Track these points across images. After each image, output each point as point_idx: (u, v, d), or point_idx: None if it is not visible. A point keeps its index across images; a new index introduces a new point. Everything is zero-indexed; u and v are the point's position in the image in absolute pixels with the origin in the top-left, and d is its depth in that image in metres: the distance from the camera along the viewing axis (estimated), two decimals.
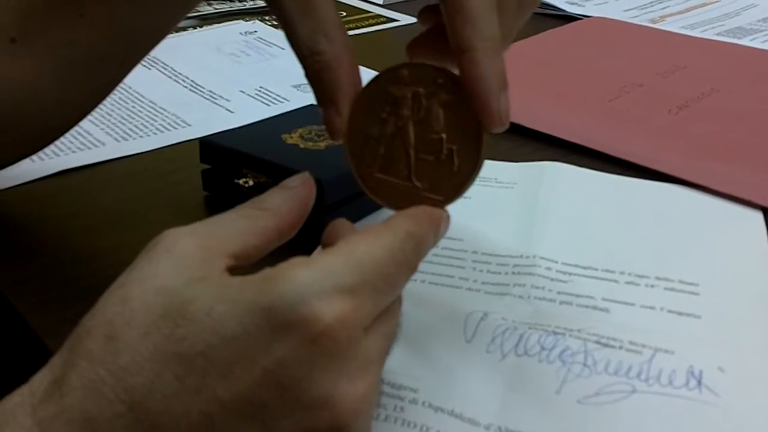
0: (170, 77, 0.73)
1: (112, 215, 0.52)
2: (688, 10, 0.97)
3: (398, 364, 0.37)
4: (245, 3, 0.95)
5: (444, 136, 0.34)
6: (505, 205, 0.52)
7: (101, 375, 0.26)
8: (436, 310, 0.42)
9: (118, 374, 0.26)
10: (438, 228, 0.33)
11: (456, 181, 0.34)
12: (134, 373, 0.26)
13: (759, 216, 0.51)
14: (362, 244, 0.29)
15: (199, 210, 0.52)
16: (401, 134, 0.35)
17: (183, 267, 0.28)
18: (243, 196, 0.50)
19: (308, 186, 0.34)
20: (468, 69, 0.33)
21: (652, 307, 0.42)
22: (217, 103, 0.68)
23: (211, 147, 0.51)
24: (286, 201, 0.33)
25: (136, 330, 0.27)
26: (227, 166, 0.50)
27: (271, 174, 0.48)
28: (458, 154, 0.34)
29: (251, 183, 0.49)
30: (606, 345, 0.39)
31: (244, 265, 0.31)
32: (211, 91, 0.70)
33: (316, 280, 0.27)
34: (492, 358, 0.38)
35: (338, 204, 0.47)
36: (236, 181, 0.49)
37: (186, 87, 0.71)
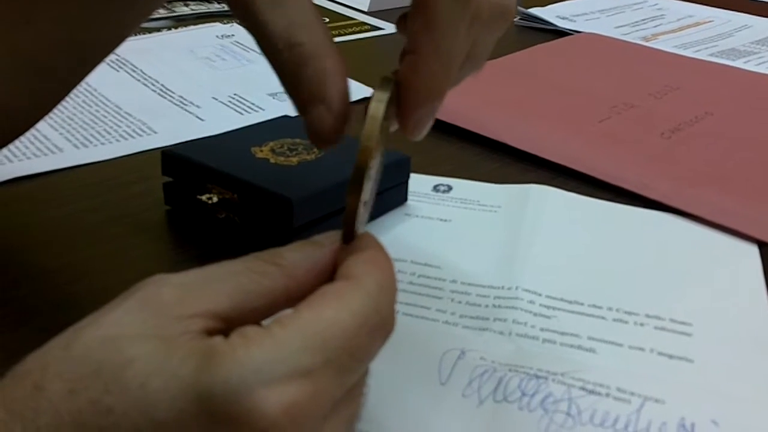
0: (139, 80, 0.69)
1: (65, 229, 0.48)
2: (681, 29, 0.95)
3: (368, 409, 0.34)
4: (224, 5, 0.92)
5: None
6: (487, 230, 0.49)
7: None
8: (409, 347, 0.38)
9: None
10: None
11: None
12: None
13: (754, 250, 0.48)
14: (327, 311, 0.25)
15: (160, 226, 0.49)
16: None
17: (150, 320, 0.25)
18: (207, 212, 0.47)
19: (335, 250, 0.29)
20: (407, 74, 0.29)
21: (641, 349, 0.39)
22: (187, 110, 0.64)
23: (173, 159, 0.47)
24: (305, 260, 0.28)
25: (65, 383, 0.23)
26: (190, 180, 0.47)
27: (237, 190, 0.45)
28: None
29: (215, 199, 0.45)
30: (592, 392, 0.36)
31: (233, 328, 0.26)
32: (181, 97, 0.67)
33: (266, 364, 0.23)
34: (468, 403, 0.35)
35: (308, 225, 0.44)
36: (199, 196, 0.45)
37: (155, 91, 0.67)
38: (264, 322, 0.26)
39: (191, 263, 0.45)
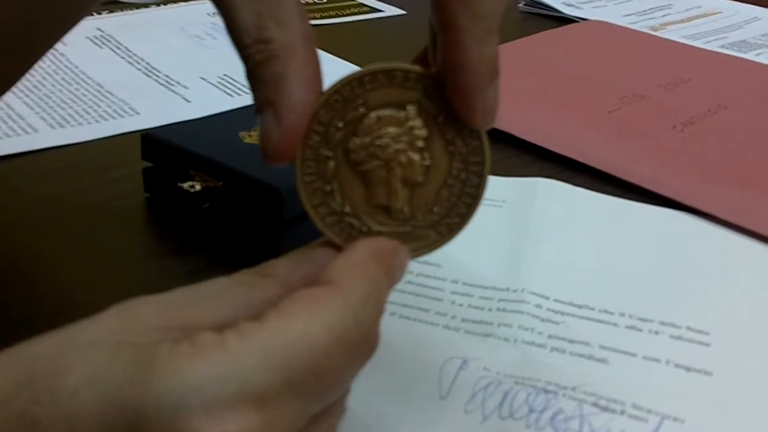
0: (123, 58, 0.66)
1: (34, 216, 0.45)
2: (689, 19, 0.92)
3: (356, 426, 0.31)
4: None
5: None
6: (491, 227, 0.46)
7: None
8: (406, 354, 0.35)
9: None
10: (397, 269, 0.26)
11: None
12: None
13: None
14: (297, 322, 0.21)
15: (139, 215, 0.45)
16: None
17: (119, 329, 0.22)
18: (189, 201, 0.43)
19: (334, 253, 0.26)
20: (452, 54, 0.25)
21: (656, 360, 0.36)
22: (173, 90, 0.61)
23: (153, 142, 0.44)
24: (299, 267, 0.25)
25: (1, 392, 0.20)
26: (171, 166, 0.43)
27: (222, 177, 0.41)
28: None
29: (198, 187, 0.42)
30: (605, 409, 0.33)
31: None
32: (167, 77, 0.63)
33: (213, 381, 0.20)
34: (471, 420, 0.32)
35: (299, 218, 0.41)
36: (180, 184, 0.42)
37: (140, 70, 0.64)
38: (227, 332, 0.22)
39: (171, 257, 0.43)
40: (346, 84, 0.26)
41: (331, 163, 0.26)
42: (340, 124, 0.26)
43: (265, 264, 0.25)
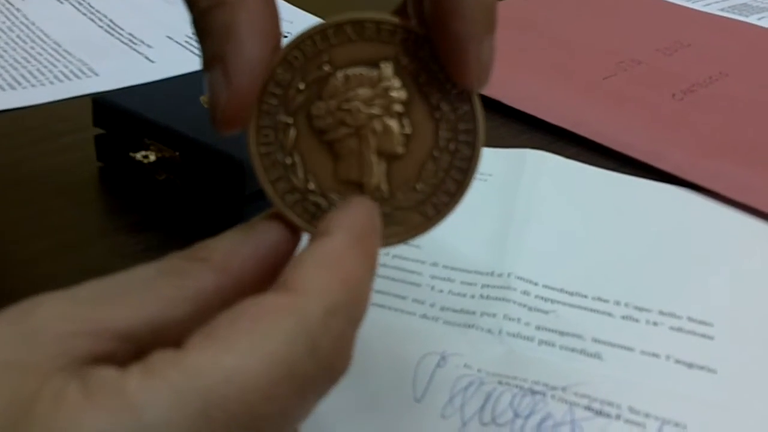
0: (85, 14, 0.61)
1: None
2: None
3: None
4: None
5: None
6: (476, 203, 0.42)
7: None
8: (378, 350, 0.32)
9: None
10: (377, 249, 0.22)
11: None
12: None
13: None
14: (228, 355, 0.17)
15: (91, 186, 0.41)
16: None
17: (12, 341, 0.17)
18: (143, 173, 0.39)
19: (284, 228, 0.22)
20: None
21: (655, 355, 0.33)
22: (136, 50, 0.56)
23: (104, 107, 0.40)
24: (241, 248, 0.21)
25: None
26: (124, 134, 0.39)
27: (179, 147, 0.37)
28: None
29: (153, 158, 0.38)
30: (599, 413, 0.29)
31: (150, 349, 0.18)
32: (131, 35, 0.59)
33: (117, 425, 0.15)
34: (448, 426, 0.28)
35: (263, 192, 0.37)
36: (132, 154, 0.38)
37: (101, 27, 0.59)
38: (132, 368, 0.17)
39: (125, 233, 0.39)
40: (306, 38, 0.22)
41: (292, 132, 0.23)
42: (302, 86, 0.23)
43: (198, 245, 0.21)
